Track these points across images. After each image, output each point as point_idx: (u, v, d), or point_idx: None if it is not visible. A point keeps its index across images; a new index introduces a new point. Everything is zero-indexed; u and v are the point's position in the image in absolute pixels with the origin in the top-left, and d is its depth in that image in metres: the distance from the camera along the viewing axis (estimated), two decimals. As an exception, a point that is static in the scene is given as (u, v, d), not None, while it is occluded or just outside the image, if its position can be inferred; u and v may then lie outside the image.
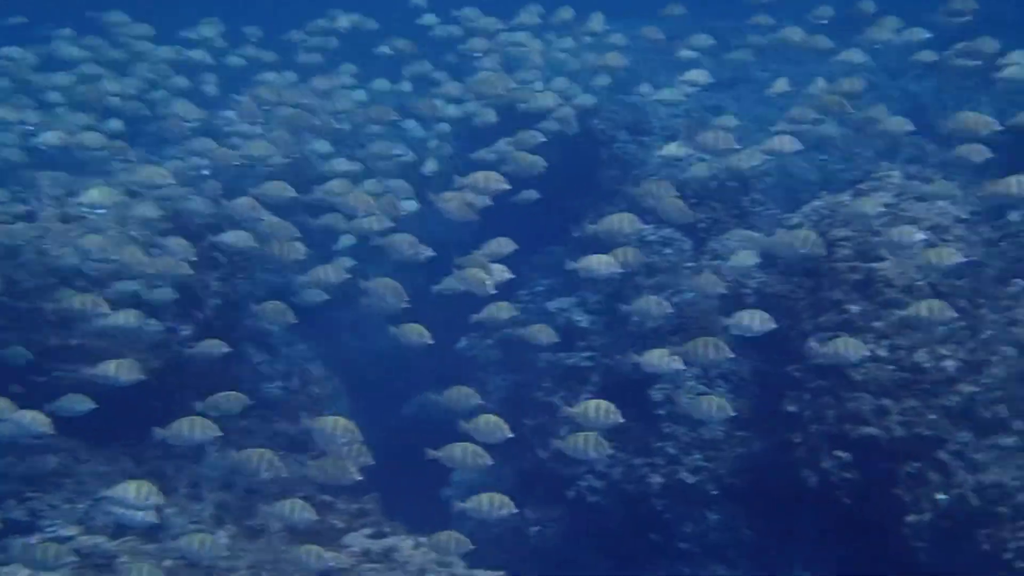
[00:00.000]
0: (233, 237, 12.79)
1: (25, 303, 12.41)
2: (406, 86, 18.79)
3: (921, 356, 11.04)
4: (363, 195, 13.00)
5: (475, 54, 17.70)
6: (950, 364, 10.96)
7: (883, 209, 12.39)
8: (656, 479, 12.62)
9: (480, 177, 12.77)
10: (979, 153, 12.35)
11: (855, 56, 16.18)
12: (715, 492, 12.44)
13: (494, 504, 10.26)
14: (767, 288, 12.99)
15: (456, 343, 16.91)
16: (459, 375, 15.77)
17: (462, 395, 11.31)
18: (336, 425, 10.50)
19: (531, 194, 14.45)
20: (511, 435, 10.65)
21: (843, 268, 12.01)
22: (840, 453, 11.00)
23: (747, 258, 12.59)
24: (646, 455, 12.78)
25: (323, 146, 15.78)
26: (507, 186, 12.75)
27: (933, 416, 10.68)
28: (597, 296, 15.06)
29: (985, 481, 10.16)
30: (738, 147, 13.33)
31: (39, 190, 13.72)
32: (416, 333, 11.68)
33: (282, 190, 13.27)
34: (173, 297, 12.74)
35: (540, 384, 14.45)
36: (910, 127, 13.88)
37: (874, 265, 11.89)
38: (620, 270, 11.99)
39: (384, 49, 18.54)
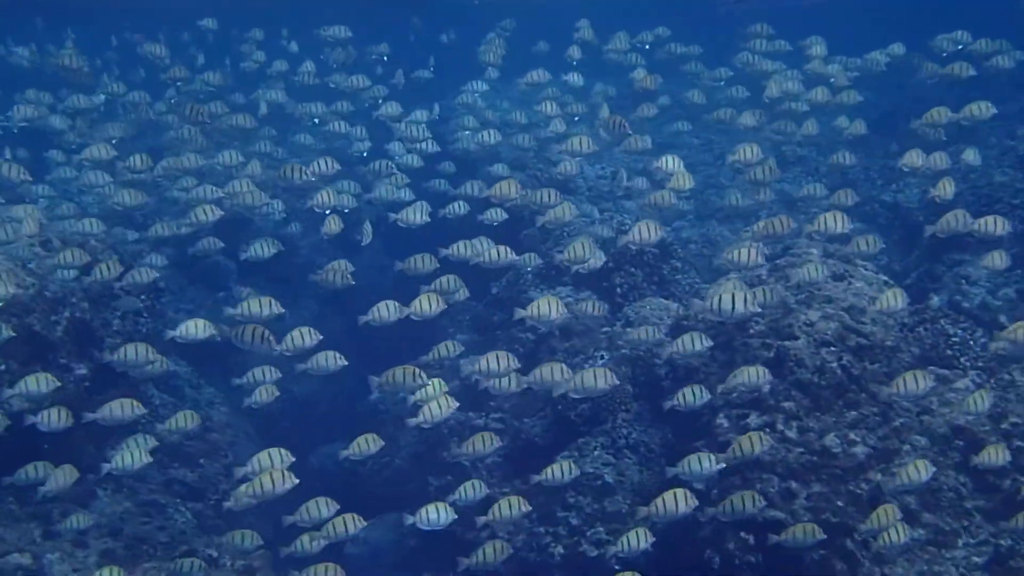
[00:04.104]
0: None
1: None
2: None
3: (831, 440, 10.89)
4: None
5: None
6: (860, 451, 10.82)
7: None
8: (558, 550, 12.30)
9: None
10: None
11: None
12: (617, 567, 12.14)
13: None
14: (679, 360, 12.82)
15: (368, 395, 16.61)
16: (370, 428, 15.47)
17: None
18: None
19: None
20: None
21: (756, 344, 11.87)
22: (745, 535, 10.77)
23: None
24: (549, 524, 12.49)
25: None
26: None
27: (840, 503, 10.51)
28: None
29: (890, 575, 9.97)
30: None
31: None
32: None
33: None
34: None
35: (448, 444, 14.11)
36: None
37: (787, 343, 11.76)
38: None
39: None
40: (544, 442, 13.24)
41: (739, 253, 12.10)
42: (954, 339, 12.30)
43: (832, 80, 16.95)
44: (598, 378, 11.09)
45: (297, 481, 10.40)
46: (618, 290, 15.44)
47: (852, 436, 10.92)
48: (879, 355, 11.67)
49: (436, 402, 11.29)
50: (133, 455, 11.02)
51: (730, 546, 10.86)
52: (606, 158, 19.88)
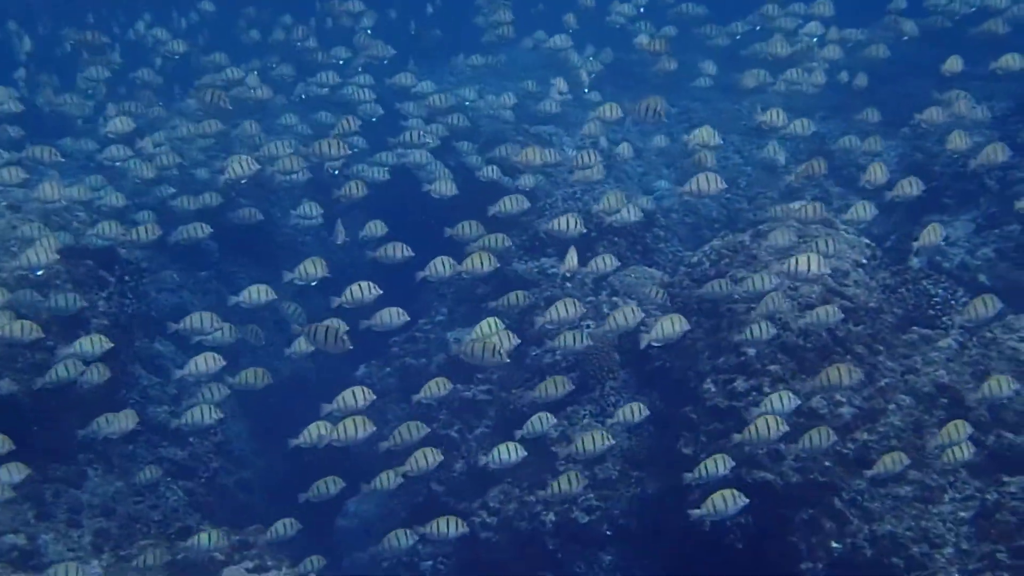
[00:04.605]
0: None
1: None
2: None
3: (817, 402, 10.99)
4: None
5: None
6: (846, 411, 10.92)
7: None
8: (549, 517, 12.41)
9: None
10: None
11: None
12: (608, 532, 12.28)
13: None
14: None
15: (355, 370, 16.66)
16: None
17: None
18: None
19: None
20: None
21: (741, 309, 11.96)
22: (735, 498, 10.89)
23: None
24: (540, 492, 12.58)
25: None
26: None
27: (828, 463, 10.62)
28: (497, 328, 14.82)
29: (879, 531, 10.11)
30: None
31: None
32: None
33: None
34: None
35: (437, 416, 14.18)
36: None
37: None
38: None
39: None
40: (532, 412, 13.29)
41: (805, 209, 12.46)
42: (936, 299, 12.41)
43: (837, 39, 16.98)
44: (675, 324, 11.15)
45: (375, 428, 10.67)
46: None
47: (838, 397, 11.01)
48: (863, 317, 11.77)
49: (497, 337, 11.27)
50: (203, 412, 11.50)
51: (720, 509, 11.00)
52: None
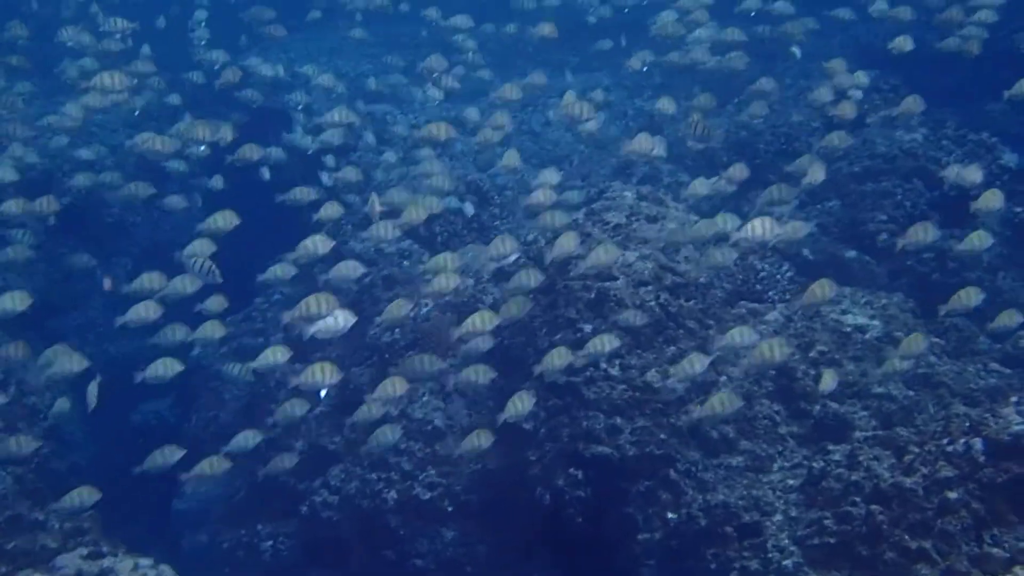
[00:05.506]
0: None
1: None
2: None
3: (652, 376, 11.30)
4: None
5: None
6: (679, 385, 11.25)
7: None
8: (391, 495, 12.48)
9: None
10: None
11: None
12: (450, 509, 12.41)
13: None
14: (502, 303, 13.05)
15: (191, 351, 16.39)
16: (195, 384, 15.34)
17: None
18: None
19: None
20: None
21: (577, 287, 12.18)
22: (574, 471, 11.15)
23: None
24: (381, 470, 12.65)
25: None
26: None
27: (663, 435, 10.95)
28: (335, 307, 14.77)
29: (712, 501, 10.48)
30: None
31: None
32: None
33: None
34: None
35: (276, 396, 14.09)
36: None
37: (606, 284, 12.09)
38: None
39: None
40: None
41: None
42: (762, 274, 12.89)
43: None
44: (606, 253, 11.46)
45: (342, 375, 10.84)
46: (438, 238, 15.59)
47: (672, 371, 11.32)
48: (694, 292, 12.14)
49: (445, 276, 11.28)
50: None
51: (559, 482, 11.23)
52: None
